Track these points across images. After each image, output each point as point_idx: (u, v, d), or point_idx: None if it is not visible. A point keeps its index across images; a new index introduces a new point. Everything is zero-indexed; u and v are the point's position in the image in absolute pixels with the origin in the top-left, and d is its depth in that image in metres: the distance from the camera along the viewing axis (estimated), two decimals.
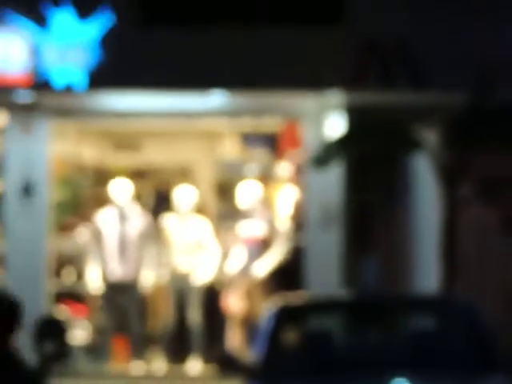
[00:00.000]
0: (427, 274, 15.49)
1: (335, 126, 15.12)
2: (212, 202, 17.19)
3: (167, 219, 15.73)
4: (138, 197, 16.16)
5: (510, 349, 12.06)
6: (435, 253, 14.69)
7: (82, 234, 15.92)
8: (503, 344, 9.82)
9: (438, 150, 14.40)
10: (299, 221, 15.87)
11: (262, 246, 15.42)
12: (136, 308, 15.41)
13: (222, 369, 9.66)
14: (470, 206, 14.93)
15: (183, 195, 15.77)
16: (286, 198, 16.37)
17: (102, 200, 15.98)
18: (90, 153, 17.28)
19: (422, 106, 14.67)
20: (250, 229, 15.59)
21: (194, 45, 14.93)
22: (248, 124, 16.75)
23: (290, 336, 9.00)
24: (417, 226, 16.28)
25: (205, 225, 15.72)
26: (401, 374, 7.29)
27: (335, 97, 14.87)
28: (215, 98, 15.32)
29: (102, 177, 16.82)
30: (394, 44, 14.63)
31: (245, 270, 15.39)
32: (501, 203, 16.13)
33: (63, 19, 14.38)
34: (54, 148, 15.75)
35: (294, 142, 16.04)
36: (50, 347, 10.98)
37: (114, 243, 15.29)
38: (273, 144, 16.77)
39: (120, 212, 15.37)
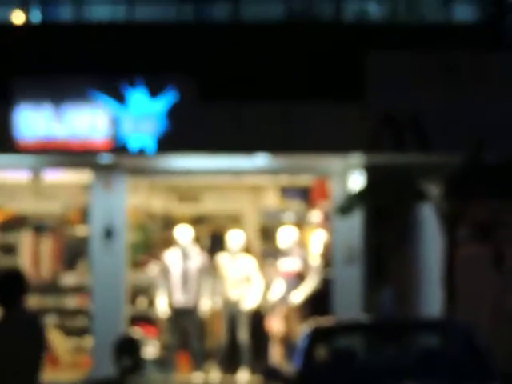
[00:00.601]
0: (432, 300, 16.68)
1: (356, 181, 16.57)
2: (257, 243, 18.49)
3: (221, 257, 17.13)
4: (197, 239, 17.57)
5: (501, 362, 13.82)
6: (438, 283, 15.81)
7: (152, 270, 17.70)
8: (495, 358, 10.52)
9: (440, 201, 15.52)
10: (327, 258, 17.20)
11: (298, 278, 16.78)
12: (196, 329, 16.93)
13: (267, 379, 10.92)
14: (466, 245, 15.98)
15: (234, 238, 17.09)
16: (317, 239, 17.65)
17: (169, 242, 17.52)
18: (159, 203, 18.69)
19: (427, 165, 15.78)
20: (288, 265, 16.92)
21: (242, 115, 15.95)
22: (286, 180, 18.33)
23: (321, 352, 10.51)
24: (423, 261, 17.62)
25: (251, 261, 17.12)
26: (411, 383, 9.05)
27: (356, 158, 16.19)
28: (260, 159, 16.58)
29: (168, 223, 18.34)
30: (405, 115, 15.11)
31: (284, 298, 16.68)
32: (491, 243, 16.68)
33: (137, 96, 15.66)
34: (130, 200, 17.35)
35: (323, 194, 17.39)
36: (127, 361, 12.97)
37: (178, 277, 16.71)
38: (306, 196, 18.23)
39: (183, 252, 16.77)
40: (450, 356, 10.26)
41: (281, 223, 17.88)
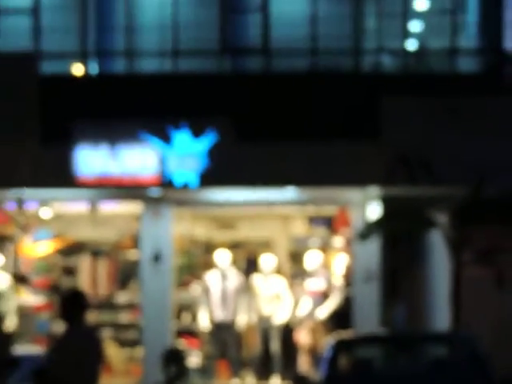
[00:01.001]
0: (440, 316, 17.57)
1: (374, 211, 17.44)
2: (286, 265, 19.22)
3: (255, 278, 18.03)
4: (234, 262, 18.41)
5: (501, 371, 12.17)
6: (445, 301, 16.57)
7: (195, 289, 18.54)
8: (495, 366, 11.37)
9: (447, 229, 16.23)
10: (348, 278, 17.95)
11: (322, 296, 17.69)
12: (234, 340, 17.88)
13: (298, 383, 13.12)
14: (471, 268, 16.46)
15: (266, 261, 17.98)
16: (339, 262, 18.33)
17: (209, 265, 18.45)
18: (201, 231, 19.61)
19: (435, 197, 16.69)
20: (314, 284, 17.86)
21: (273, 153, 16.86)
22: (312, 210, 19.14)
23: (343, 361, 11.31)
24: (432, 282, 18.45)
25: (281, 281, 17.95)
26: None
27: (374, 191, 17.17)
28: (289, 192, 17.58)
29: (209, 248, 19.19)
30: (415, 153, 16.21)
31: (310, 314, 17.58)
32: (493, 266, 16.89)
33: (182, 137, 16.66)
34: (175, 228, 18.27)
35: (345, 222, 18.23)
36: (173, 370, 13.40)
37: (217, 295, 17.56)
38: (330, 224, 19.05)
39: (222, 273, 17.73)
40: (456, 365, 11.05)
41: (307, 248, 18.68)
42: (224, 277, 17.68)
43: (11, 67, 17.49)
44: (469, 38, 19.22)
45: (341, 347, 11.36)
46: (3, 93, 16.92)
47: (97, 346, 8.40)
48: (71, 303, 8.48)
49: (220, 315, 17.55)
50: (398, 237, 17.78)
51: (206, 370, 17.75)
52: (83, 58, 19.66)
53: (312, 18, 18.75)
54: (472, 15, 19.39)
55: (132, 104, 17.33)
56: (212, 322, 17.63)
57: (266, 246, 19.43)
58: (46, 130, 16.66)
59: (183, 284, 18.95)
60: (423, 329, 17.67)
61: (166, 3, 19.04)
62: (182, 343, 17.71)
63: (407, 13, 19.36)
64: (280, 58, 19.09)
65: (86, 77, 20.00)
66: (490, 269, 16.70)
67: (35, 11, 18.82)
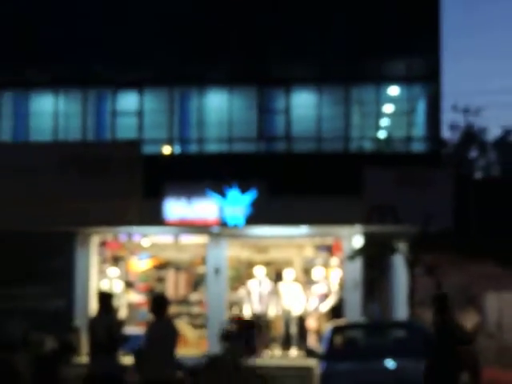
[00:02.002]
0: (401, 310, 18.35)
1: (358, 241, 18.36)
2: (300, 276, 19.44)
3: (280, 285, 18.78)
4: (267, 274, 19.04)
5: None
6: (404, 300, 17.87)
7: (241, 292, 19.20)
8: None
9: (405, 253, 17.48)
10: (341, 285, 18.74)
11: (324, 297, 18.65)
12: (266, 325, 18.61)
13: (307, 355, 12.98)
14: (421, 277, 17.93)
15: (287, 273, 18.75)
16: (335, 275, 19.10)
17: (251, 276, 19.14)
18: (245, 254, 20.04)
19: (398, 232, 17.60)
20: (318, 289, 18.76)
21: (292, 203, 17.77)
22: (318, 240, 19.64)
23: (338, 339, 12.45)
24: (396, 288, 19.05)
25: (297, 287, 18.71)
26: (389, 358, 10.81)
27: (358, 228, 18.15)
28: (303, 229, 18.71)
29: (250, 265, 19.62)
30: (385, 204, 17.28)
31: (316, 308, 18.64)
32: (435, 276, 17.85)
33: (233, 194, 17.79)
34: (229, 252, 19.12)
35: (339, 249, 18.93)
36: (227, 344, 13.55)
37: (256, 296, 18.38)
38: (329, 249, 19.47)
39: (259, 281, 18.55)
40: (411, 341, 12.25)
41: (314, 265, 19.46)
42: (260, 284, 18.66)
43: (124, 149, 18.60)
44: (419, 130, 19.79)
45: (336, 330, 12.76)
46: (119, 166, 17.66)
47: (173, 331, 9.46)
48: (158, 302, 9.59)
49: (257, 309, 18.53)
50: (373, 258, 18.69)
51: None
52: (170, 142, 20.80)
53: (318, 117, 19.70)
54: (420, 116, 19.77)
55: (201, 172, 18.71)
56: (252, 313, 18.60)
57: (288, 263, 19.84)
58: (146, 189, 17.60)
59: (233, 288, 19.51)
60: (390, 319, 18.40)
61: (223, 108, 20.10)
62: (234, 326, 17.92)
63: (379, 114, 20.11)
64: (297, 142, 19.95)
65: (172, 155, 21.12)
66: (432, 279, 18.02)
67: (140, 113, 20.29)
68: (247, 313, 18.77)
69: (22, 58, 20.09)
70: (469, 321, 17.96)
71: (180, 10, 19.78)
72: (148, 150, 19.10)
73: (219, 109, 19.88)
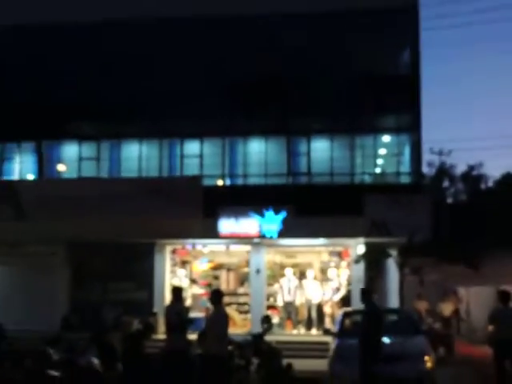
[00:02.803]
0: (393, 301, 18.34)
1: (361, 249, 18.30)
2: (319, 275, 19.53)
3: (304, 281, 18.88)
4: (294, 273, 19.12)
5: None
6: (396, 293, 18.00)
7: (276, 287, 19.18)
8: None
9: (396, 257, 17.56)
10: (349, 281, 18.79)
11: (337, 290, 18.84)
12: (295, 310, 18.82)
13: (324, 333, 12.72)
14: (408, 276, 17.94)
15: (309, 273, 18.95)
16: (345, 273, 19.15)
17: (283, 275, 18.99)
18: (278, 258, 20.10)
19: (391, 242, 17.64)
20: (332, 284, 18.91)
21: (313, 222, 17.73)
22: (331, 248, 19.63)
23: (347, 322, 12.37)
24: (389, 284, 19.09)
25: (317, 283, 18.88)
26: (386, 336, 10.42)
27: (360, 239, 18.03)
28: (320, 240, 18.55)
29: (282, 267, 19.73)
30: (381, 221, 17.01)
31: (330, 298, 18.72)
32: (418, 275, 17.93)
33: (269, 214, 18.04)
34: (266, 257, 19.23)
35: (347, 254, 18.95)
36: (265, 325, 12.30)
37: (286, 290, 18.51)
38: (340, 255, 19.42)
39: (288, 279, 18.65)
40: (401, 323, 12.52)
41: (329, 267, 19.46)
42: (289, 281, 18.71)
43: (189, 183, 19.26)
44: (405, 167, 19.72)
45: (345, 315, 12.84)
46: (186, 194, 18.11)
47: (226, 316, 9.48)
48: (215, 295, 9.65)
49: (287, 299, 18.62)
50: (372, 262, 18.67)
51: (280, 325, 18.59)
52: (223, 177, 21.23)
53: (330, 158, 19.94)
54: (406, 157, 19.73)
55: (245, 199, 18.92)
56: (284, 301, 18.66)
57: (309, 265, 19.79)
58: (206, 212, 18.03)
59: (270, 284, 19.56)
60: (385, 307, 17.55)
61: (261, 152, 20.49)
62: (270, 312, 18.21)
63: (376, 155, 20.18)
64: (315, 177, 20.17)
65: (224, 186, 21.28)
66: (416, 277, 18.09)
67: (200, 156, 20.68)
68: (280, 302, 18.77)
69: (115, 117, 20.41)
70: (446, 309, 18.94)
71: (228, 81, 19.83)
72: (206, 182, 19.06)
73: (258, 153, 19.86)
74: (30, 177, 20.33)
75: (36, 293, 18.93)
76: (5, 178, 20.23)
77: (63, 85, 19.80)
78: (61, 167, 20.48)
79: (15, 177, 20.28)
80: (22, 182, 19.61)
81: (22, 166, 20.42)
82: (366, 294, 10.63)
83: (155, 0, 19.55)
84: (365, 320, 10.32)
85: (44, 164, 20.15)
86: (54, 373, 10.64)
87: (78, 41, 19.45)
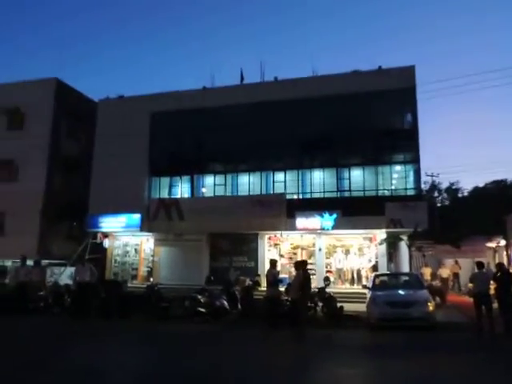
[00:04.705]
0: (405, 267, 17.55)
1: (383, 236, 17.72)
2: (357, 252, 18.56)
3: (348, 256, 18.07)
4: (342, 251, 18.25)
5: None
6: (407, 264, 17.53)
7: (331, 259, 18.29)
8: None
9: (407, 241, 17.23)
10: (376, 255, 18.15)
11: (369, 261, 18.02)
12: (344, 273, 18.08)
13: (363, 287, 12.68)
14: (414, 252, 17.92)
15: (352, 250, 18.10)
16: (373, 250, 18.43)
17: (335, 252, 18.30)
18: (332, 242, 18.75)
19: (403, 231, 16.87)
20: (366, 257, 18.31)
21: (357, 219, 16.73)
22: (365, 235, 18.49)
23: (376, 280, 11.98)
24: (402, 257, 17.99)
25: (356, 256, 18.02)
26: (401, 289, 10.80)
27: (383, 230, 17.42)
28: (358, 231, 17.54)
29: (334, 247, 18.72)
30: (396, 219, 16.18)
31: (365, 266, 17.91)
32: (421, 251, 18.21)
33: (326, 215, 17.36)
34: (325, 241, 18.51)
35: (375, 239, 18.17)
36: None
37: (337, 261, 17.91)
38: (371, 239, 18.49)
39: (338, 254, 17.94)
40: (411, 282, 11.84)
41: (363, 247, 18.80)
42: (339, 255, 18.14)
43: (277, 198, 17.92)
44: (410, 184, 18.35)
45: (375, 276, 12.53)
46: (275, 204, 17.25)
47: (302, 277, 8.85)
48: (297, 264, 9.72)
49: (338, 266, 18.06)
50: (391, 243, 18.01)
51: (334, 282, 17.33)
52: (297, 193, 19.25)
53: (363, 180, 18.70)
54: (411, 178, 18.39)
55: (312, 207, 17.84)
56: (336, 268, 18.06)
57: (351, 246, 18.96)
58: (288, 214, 17.65)
59: (327, 257, 18.59)
60: (400, 271, 17.09)
61: (320, 178, 19.05)
62: (328, 274, 16.99)
63: (391, 178, 18.82)
64: (354, 192, 18.63)
65: (298, 199, 19.25)
66: (420, 252, 18.32)
67: (284, 182, 19.15)
68: (333, 268, 18.61)
69: (234, 160, 19.82)
70: (443, 272, 18.47)
71: (300, 137, 18.73)
72: (288, 197, 18.49)
73: (319, 178, 19.04)
74: (186, 196, 20.36)
75: (190, 263, 19.13)
76: (173, 196, 20.18)
77: (206, 142, 19.92)
78: (204, 190, 20.35)
79: (178, 196, 20.29)
80: (183, 199, 19.85)
81: (182, 190, 20.34)
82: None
83: (254, 90, 19.70)
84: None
85: (194, 188, 20.13)
86: (202, 310, 11.30)
87: (215, 117, 19.55)
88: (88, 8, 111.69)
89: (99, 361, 6.41)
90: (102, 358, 6.61)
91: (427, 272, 17.38)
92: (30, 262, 13.29)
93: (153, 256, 20.11)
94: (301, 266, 9.45)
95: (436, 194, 28.37)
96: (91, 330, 9.69)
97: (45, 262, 17.41)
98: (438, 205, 27.00)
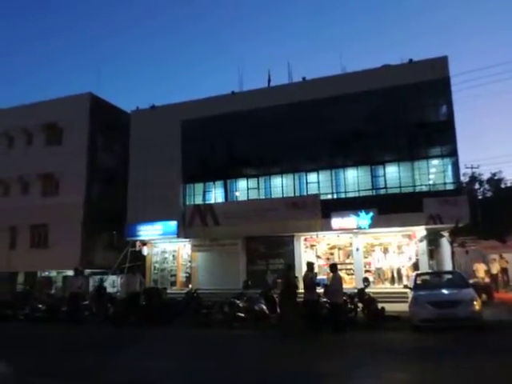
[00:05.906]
0: (447, 265, 16.75)
1: (423, 232, 17.26)
2: (396, 250, 17.97)
3: (387, 254, 17.68)
4: (380, 249, 17.95)
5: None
6: (449, 261, 16.67)
7: (369, 258, 18.03)
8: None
9: (448, 236, 16.72)
10: (417, 253, 17.62)
11: (409, 259, 17.52)
12: (383, 273, 17.60)
13: (404, 287, 11.82)
14: (456, 248, 17.58)
15: (391, 248, 17.76)
16: (413, 248, 17.91)
17: (373, 251, 17.99)
18: (370, 240, 18.53)
19: (444, 227, 16.42)
20: (406, 255, 17.58)
21: (394, 217, 16.30)
22: (404, 233, 18.04)
23: (418, 280, 11.57)
24: (444, 254, 17.75)
25: (395, 255, 17.52)
26: (444, 289, 10.32)
27: (423, 226, 16.72)
28: (396, 228, 17.10)
29: (372, 246, 18.62)
30: (435, 215, 15.70)
31: (405, 264, 17.33)
32: (464, 247, 17.80)
33: (362, 214, 16.76)
34: (362, 240, 18.09)
35: (414, 236, 17.61)
36: None
37: (376, 260, 17.51)
38: (410, 237, 17.90)
39: (377, 253, 17.65)
40: (455, 281, 11.34)
41: (403, 244, 18.18)
42: (377, 254, 17.90)
43: (311, 199, 17.61)
44: (449, 178, 17.82)
45: (417, 275, 12.05)
46: (310, 205, 16.90)
47: (340, 277, 9.10)
48: (333, 265, 9.75)
49: (378, 266, 17.63)
50: (432, 240, 17.76)
51: (374, 282, 17.08)
52: (332, 193, 19.01)
53: (399, 177, 18.20)
54: (449, 171, 17.89)
55: (347, 206, 17.58)
56: (375, 267, 17.72)
57: (390, 244, 18.58)
58: (323, 215, 16.97)
59: (365, 257, 18.39)
60: (442, 269, 16.87)
61: (354, 176, 18.70)
62: (367, 274, 16.84)
63: (429, 173, 18.25)
64: (390, 190, 18.06)
65: (332, 199, 18.94)
66: (463, 248, 18.54)
67: (318, 182, 18.86)
68: (372, 268, 18.18)
69: (267, 163, 19.87)
70: (494, 268, 18.14)
71: (333, 135, 18.59)
72: (323, 197, 18.28)
73: (353, 177, 18.66)
74: (220, 201, 20.29)
75: (227, 267, 19.15)
76: (207, 202, 20.16)
77: (237, 146, 20.10)
78: (237, 194, 20.26)
79: (212, 201, 20.26)
80: (217, 204, 19.81)
81: (216, 195, 20.37)
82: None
83: (282, 91, 19.49)
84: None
85: (228, 193, 20.13)
86: (241, 315, 11.23)
87: (245, 121, 19.64)
88: (111, 27, 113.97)
89: (161, 366, 6.74)
90: (162, 363, 6.96)
91: (480, 269, 17.01)
92: (70, 272, 13.95)
93: (190, 262, 20.33)
94: (333, 268, 9.62)
95: (477, 186, 27.12)
96: (142, 338, 10.05)
97: (87, 271, 18.12)
98: (480, 197, 25.94)
